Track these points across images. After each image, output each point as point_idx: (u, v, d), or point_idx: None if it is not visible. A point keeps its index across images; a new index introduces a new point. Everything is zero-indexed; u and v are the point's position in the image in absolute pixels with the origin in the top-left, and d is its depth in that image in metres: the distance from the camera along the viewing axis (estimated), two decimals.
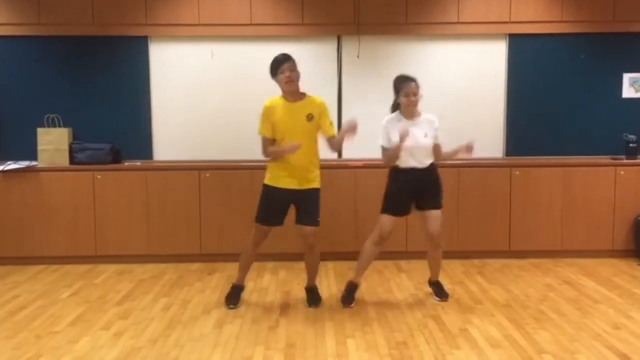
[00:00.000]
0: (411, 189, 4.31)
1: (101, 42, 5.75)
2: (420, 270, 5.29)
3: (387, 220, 4.33)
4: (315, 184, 4.24)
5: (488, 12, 5.75)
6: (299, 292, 4.68)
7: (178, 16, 5.69)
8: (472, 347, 3.61)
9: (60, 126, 5.69)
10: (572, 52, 5.89)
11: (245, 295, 4.58)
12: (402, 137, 4.09)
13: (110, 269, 5.40)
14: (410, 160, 4.26)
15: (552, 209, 5.62)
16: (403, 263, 5.52)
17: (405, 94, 4.24)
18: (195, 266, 5.46)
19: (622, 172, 5.61)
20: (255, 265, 5.45)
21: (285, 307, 4.38)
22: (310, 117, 4.14)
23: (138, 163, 5.72)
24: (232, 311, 4.28)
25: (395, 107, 4.38)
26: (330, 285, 4.92)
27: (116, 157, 5.70)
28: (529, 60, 5.88)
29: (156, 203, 5.53)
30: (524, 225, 5.64)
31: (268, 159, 4.29)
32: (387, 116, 4.38)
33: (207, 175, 5.54)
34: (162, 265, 5.46)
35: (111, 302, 4.50)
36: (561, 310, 4.24)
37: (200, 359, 3.47)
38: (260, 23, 5.71)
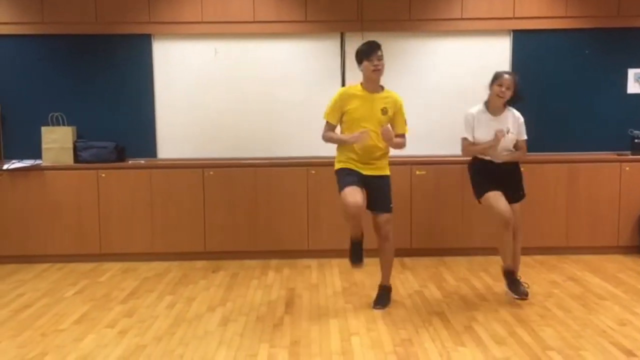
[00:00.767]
0: (495, 179, 4.36)
1: (104, 40, 5.75)
2: (423, 267, 5.29)
3: (493, 200, 4.28)
4: (386, 171, 4.26)
5: (492, 8, 5.73)
6: (303, 290, 4.67)
7: (181, 14, 5.69)
8: (477, 344, 3.60)
9: (64, 125, 5.70)
10: (577, 48, 5.86)
11: (248, 294, 4.58)
12: (498, 138, 4.22)
13: (115, 267, 5.41)
14: (493, 154, 4.34)
15: (557, 205, 5.60)
16: (407, 260, 5.51)
17: (499, 83, 4.28)
18: (200, 264, 5.47)
19: (627, 168, 5.59)
20: (259, 262, 5.50)
21: (289, 305, 4.38)
22: (385, 111, 4.14)
23: (142, 161, 5.72)
24: (236, 309, 4.28)
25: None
26: (334, 282, 4.91)
27: (120, 155, 5.71)
28: (533, 57, 5.85)
29: (160, 201, 5.54)
30: (528, 222, 5.59)
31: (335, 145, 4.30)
32: (472, 108, 4.40)
33: (211, 173, 5.54)
34: (166, 263, 5.47)
35: (116, 300, 4.51)
36: (566, 307, 4.23)
37: (205, 356, 3.47)
38: (263, 20, 5.70)
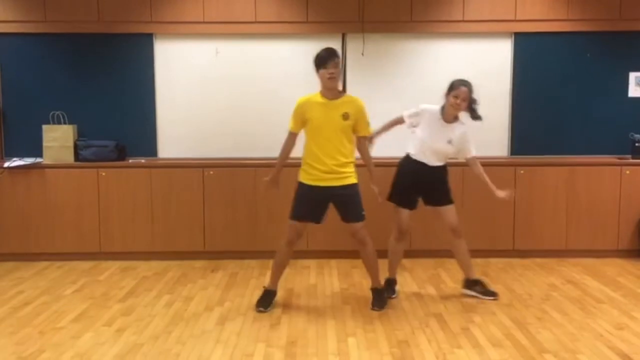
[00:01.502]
0: (416, 181, 4.37)
1: (106, 39, 5.76)
2: (422, 268, 5.29)
3: (399, 213, 4.42)
4: (351, 180, 4.20)
5: (493, 11, 5.73)
6: (301, 290, 4.68)
7: (183, 14, 5.70)
8: (473, 346, 3.60)
9: (65, 123, 5.72)
10: (578, 51, 5.86)
11: (246, 294, 4.59)
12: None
13: (114, 265, 5.42)
14: (425, 157, 4.34)
15: (556, 209, 5.60)
16: (406, 261, 5.50)
17: (455, 95, 4.26)
18: (199, 263, 5.48)
19: (627, 172, 5.58)
20: (258, 262, 5.49)
21: (287, 305, 4.38)
22: (346, 116, 4.12)
23: (142, 160, 5.74)
24: (234, 308, 4.29)
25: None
26: (333, 283, 4.92)
27: (121, 154, 5.72)
28: (535, 59, 5.85)
29: (160, 200, 5.55)
30: (528, 225, 5.62)
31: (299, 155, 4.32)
32: (432, 106, 4.40)
33: (211, 172, 5.55)
34: (165, 263, 5.48)
35: (114, 298, 4.53)
36: (564, 310, 4.23)
37: (201, 355, 3.48)
38: (264, 21, 5.71)
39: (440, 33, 5.81)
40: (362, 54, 5.80)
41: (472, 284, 4.55)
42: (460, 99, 4.24)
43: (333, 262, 5.48)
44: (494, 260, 5.55)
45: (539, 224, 5.60)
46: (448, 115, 4.33)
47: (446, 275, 5.10)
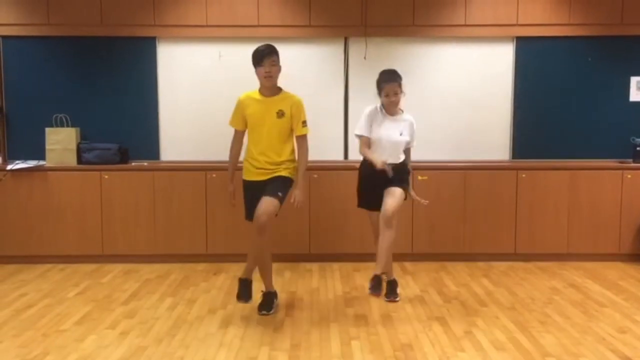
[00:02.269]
0: (380, 182, 4.29)
1: (109, 42, 5.78)
2: (425, 272, 5.30)
3: (372, 217, 4.46)
4: (282, 173, 4.11)
5: (495, 15, 5.75)
6: (304, 293, 4.69)
7: (186, 17, 5.72)
8: (476, 349, 3.61)
9: (68, 126, 5.73)
10: (580, 55, 5.88)
11: (253, 296, 4.59)
12: (381, 168, 4.14)
13: (117, 268, 5.43)
14: (384, 154, 4.27)
15: (558, 212, 5.61)
16: (408, 265, 5.52)
17: (385, 94, 4.27)
18: (201, 266, 5.48)
19: (629, 176, 5.60)
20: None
21: (290, 308, 4.39)
22: (280, 114, 4.08)
23: (145, 163, 5.74)
24: (237, 312, 4.29)
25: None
26: (335, 286, 4.92)
27: (123, 157, 5.73)
28: (536, 63, 5.87)
29: (163, 203, 5.56)
30: (530, 228, 5.63)
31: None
32: (369, 107, 4.39)
33: (214, 175, 5.56)
34: (168, 265, 5.49)
35: (117, 301, 4.53)
36: (566, 314, 4.23)
37: (205, 358, 3.49)
38: (267, 25, 5.73)
39: (443, 37, 5.83)
40: (365, 58, 5.81)
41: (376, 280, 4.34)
42: (392, 94, 4.26)
43: (335, 265, 5.49)
44: (495, 264, 5.56)
45: (540, 228, 5.62)
46: (390, 110, 4.35)
47: (449, 279, 5.10)
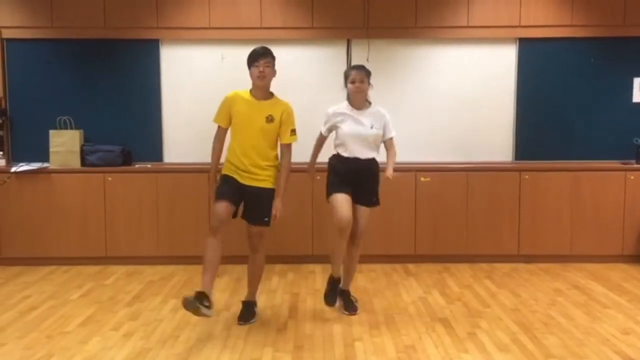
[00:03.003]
0: (351, 179, 4.20)
1: (113, 45, 5.79)
2: (427, 273, 5.30)
3: (338, 203, 4.09)
4: (266, 184, 4.04)
5: (498, 16, 5.75)
6: (307, 295, 4.69)
7: (189, 19, 5.73)
8: (480, 351, 3.61)
9: (72, 128, 5.75)
10: (582, 57, 5.88)
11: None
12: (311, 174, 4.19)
13: (120, 270, 5.43)
14: (354, 149, 4.19)
15: (561, 214, 5.61)
16: (411, 266, 5.52)
17: (352, 80, 4.21)
18: None
19: (632, 177, 5.60)
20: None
21: (293, 309, 4.40)
22: (270, 119, 4.01)
23: (148, 165, 5.76)
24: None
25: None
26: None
27: (127, 159, 5.74)
28: (539, 65, 5.87)
29: (166, 205, 5.57)
30: (533, 230, 5.63)
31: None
32: (333, 107, 4.32)
33: (217, 177, 5.55)
34: (171, 267, 5.50)
35: (121, 303, 4.54)
36: (570, 315, 4.23)
37: None
38: (270, 27, 5.74)
39: (445, 39, 5.84)
40: (367, 60, 5.80)
41: (344, 294, 4.37)
42: (358, 81, 4.18)
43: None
44: (498, 265, 5.56)
45: (543, 229, 5.61)
46: (356, 103, 4.24)
47: (452, 280, 5.10)
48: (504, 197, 5.60)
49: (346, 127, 4.21)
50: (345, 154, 4.22)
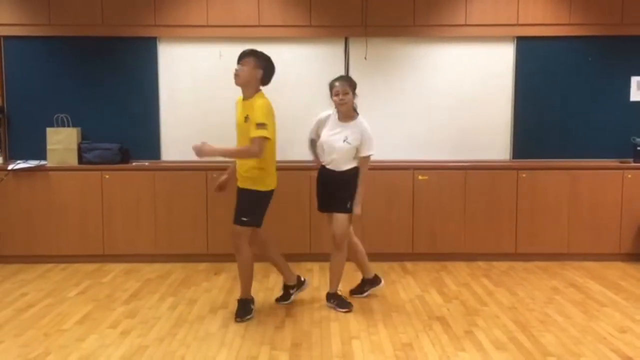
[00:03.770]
0: (326, 188, 4.34)
1: (110, 42, 5.78)
2: (425, 272, 5.31)
3: (325, 220, 4.44)
4: (247, 185, 4.11)
5: (496, 15, 5.75)
6: (304, 293, 4.69)
7: (187, 17, 5.72)
8: (477, 349, 3.62)
9: (69, 126, 5.74)
10: (580, 55, 5.88)
11: (254, 296, 4.60)
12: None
13: (118, 268, 5.43)
14: (328, 159, 4.31)
15: (558, 212, 5.61)
16: (409, 265, 5.53)
17: (335, 92, 4.25)
18: (202, 266, 5.49)
19: (629, 176, 5.60)
20: (261, 265, 5.48)
21: (290, 307, 4.40)
22: (246, 119, 4.04)
23: (146, 163, 5.75)
24: None
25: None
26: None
27: (124, 157, 5.74)
28: (537, 63, 5.87)
29: (164, 203, 5.56)
30: (530, 228, 5.63)
31: None
32: (325, 112, 4.41)
33: (215, 175, 5.54)
34: (169, 265, 5.50)
35: (118, 301, 4.54)
36: (567, 313, 4.24)
37: (206, 358, 3.50)
38: (268, 25, 5.73)
39: (443, 37, 5.83)
40: (365, 58, 5.82)
41: (333, 297, 4.40)
42: (341, 93, 4.20)
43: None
44: (496, 264, 5.57)
45: (541, 228, 5.62)
46: (341, 114, 4.29)
47: (449, 279, 5.11)
48: (501, 195, 5.60)
49: (323, 135, 4.33)
50: (324, 162, 4.36)
